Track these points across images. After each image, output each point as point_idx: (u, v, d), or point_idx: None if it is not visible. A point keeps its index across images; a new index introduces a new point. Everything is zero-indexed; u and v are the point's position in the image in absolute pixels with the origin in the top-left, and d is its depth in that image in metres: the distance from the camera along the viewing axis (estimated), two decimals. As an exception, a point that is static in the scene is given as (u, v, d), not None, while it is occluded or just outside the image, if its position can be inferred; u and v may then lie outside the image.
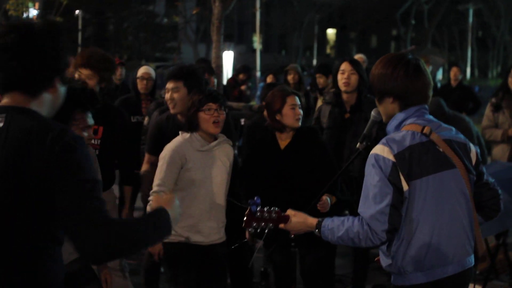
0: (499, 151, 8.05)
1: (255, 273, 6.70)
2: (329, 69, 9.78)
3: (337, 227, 3.37)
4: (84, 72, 5.24)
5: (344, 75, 6.14)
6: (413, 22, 37.98)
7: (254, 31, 36.01)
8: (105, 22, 46.46)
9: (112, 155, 5.47)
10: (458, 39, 49.30)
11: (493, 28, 47.39)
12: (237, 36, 63.37)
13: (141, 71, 7.65)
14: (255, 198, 3.61)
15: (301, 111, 5.14)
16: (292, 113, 5.12)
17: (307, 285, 5.35)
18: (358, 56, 11.92)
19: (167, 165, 4.82)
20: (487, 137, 8.10)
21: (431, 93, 3.50)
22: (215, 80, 10.39)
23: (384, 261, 3.43)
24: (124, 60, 43.90)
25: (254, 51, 47.42)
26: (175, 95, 5.41)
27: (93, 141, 4.99)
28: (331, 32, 67.87)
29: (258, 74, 32.16)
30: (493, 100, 8.08)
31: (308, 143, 5.19)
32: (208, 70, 8.28)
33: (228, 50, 35.90)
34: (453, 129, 3.52)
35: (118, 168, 5.75)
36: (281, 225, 3.59)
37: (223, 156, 5.02)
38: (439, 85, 13.22)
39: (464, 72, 44.36)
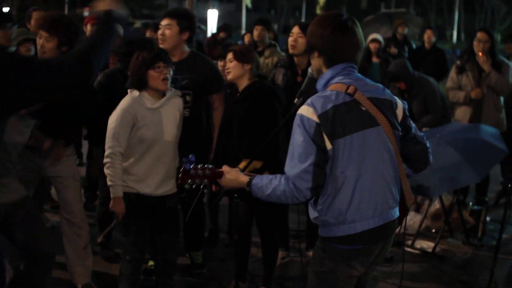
0: (461, 113, 8.21)
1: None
2: (270, 23, 9.80)
3: (265, 185, 3.51)
4: (43, 35, 5.30)
5: (292, 37, 6.22)
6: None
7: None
8: (92, -22, 45.97)
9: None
10: (445, 2, 49.13)
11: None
12: (227, -5, 63.01)
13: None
14: (190, 156, 3.75)
15: (231, 65, 5.38)
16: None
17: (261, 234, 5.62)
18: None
19: (119, 125, 4.93)
20: (450, 98, 8.25)
21: (359, 53, 3.59)
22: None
23: (312, 213, 3.58)
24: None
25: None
26: (167, 32, 5.74)
27: None
28: (321, -8, 67.52)
29: (243, 32, 32.03)
30: (458, 62, 8.24)
31: (253, 96, 5.36)
32: (154, 28, 8.26)
33: (213, 8, 35.72)
34: (380, 86, 3.63)
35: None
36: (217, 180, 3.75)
37: (173, 110, 5.15)
38: (414, 46, 13.24)
39: (451, 36, 44.26)
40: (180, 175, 3.74)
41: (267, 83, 5.52)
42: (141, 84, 4.98)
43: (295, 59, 6.29)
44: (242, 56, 5.35)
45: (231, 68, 5.36)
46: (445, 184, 6.55)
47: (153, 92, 5.02)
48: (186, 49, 5.98)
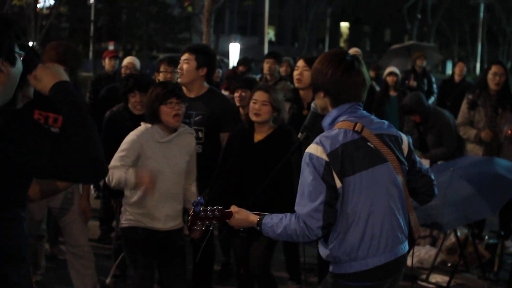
0: (472, 148, 8.13)
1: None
2: (281, 56, 9.76)
3: (276, 224, 3.54)
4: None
5: (298, 71, 6.26)
6: (419, 16, 37.77)
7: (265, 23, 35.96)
8: (117, 12, 46.53)
9: None
10: (469, 33, 49.05)
11: (504, 23, 47.07)
12: (250, 28, 63.44)
13: (126, 61, 7.87)
14: (198, 198, 3.83)
15: (264, 108, 5.29)
16: (251, 106, 5.33)
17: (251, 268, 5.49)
18: (353, 50, 12.01)
19: (128, 150, 5.02)
20: (462, 134, 8.17)
21: (364, 92, 3.63)
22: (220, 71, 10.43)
23: (323, 251, 3.60)
24: (136, 50, 44.17)
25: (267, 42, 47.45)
26: (185, 66, 5.83)
27: (52, 130, 5.17)
28: (344, 25, 67.73)
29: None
30: (470, 96, 8.10)
31: (281, 143, 5.30)
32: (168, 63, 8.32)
33: (235, 42, 36.01)
34: (385, 122, 3.67)
35: None
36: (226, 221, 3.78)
37: (183, 146, 5.20)
38: (434, 80, 13.21)
39: (474, 68, 44.08)
40: (189, 217, 3.78)
41: (288, 130, 5.47)
42: (154, 118, 5.05)
43: (301, 92, 6.31)
44: (277, 103, 5.33)
45: (262, 112, 5.29)
46: (459, 218, 6.52)
47: (164, 126, 5.09)
48: (205, 85, 6.01)
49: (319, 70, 3.60)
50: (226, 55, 37.30)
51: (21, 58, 2.87)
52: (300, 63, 6.29)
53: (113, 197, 5.96)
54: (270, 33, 58.25)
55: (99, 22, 44.97)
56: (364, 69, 3.63)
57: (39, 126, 2.73)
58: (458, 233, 7.33)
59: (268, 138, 5.34)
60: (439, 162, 7.91)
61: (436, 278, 7.11)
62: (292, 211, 3.56)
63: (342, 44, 67.03)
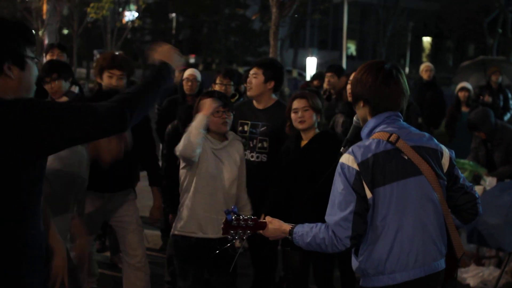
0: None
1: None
2: (342, 70, 9.68)
3: (306, 233, 3.51)
4: (116, 73, 5.65)
5: (350, 85, 6.15)
6: (499, 30, 36.91)
7: (348, 38, 35.86)
8: (198, 26, 47.18)
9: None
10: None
11: None
12: (331, 43, 63.33)
13: (187, 72, 7.92)
14: (232, 207, 3.78)
15: (306, 114, 5.29)
16: (293, 117, 5.34)
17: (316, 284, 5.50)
18: (425, 65, 11.83)
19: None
20: None
21: (404, 101, 3.57)
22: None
23: (354, 263, 3.54)
24: (215, 63, 44.65)
25: (347, 57, 47.30)
26: (253, 80, 6.01)
27: None
28: (426, 40, 66.91)
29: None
30: None
31: (323, 146, 5.28)
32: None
33: (312, 56, 36.01)
34: (426, 135, 3.58)
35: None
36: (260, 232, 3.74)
37: (234, 153, 5.26)
38: (510, 96, 12.86)
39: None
40: (222, 226, 3.75)
41: (334, 133, 5.45)
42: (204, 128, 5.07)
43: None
44: (317, 106, 5.32)
45: (306, 117, 5.31)
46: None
47: (214, 134, 5.14)
48: (273, 97, 6.16)
49: (358, 79, 3.57)
50: (305, 69, 37.33)
51: (36, 63, 2.93)
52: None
53: (170, 210, 5.99)
54: (351, 48, 58.07)
55: (180, 36, 45.68)
56: (403, 78, 3.58)
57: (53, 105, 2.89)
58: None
59: (313, 140, 5.34)
60: (506, 181, 7.67)
61: (499, 300, 6.89)
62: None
63: (424, 59, 66.23)
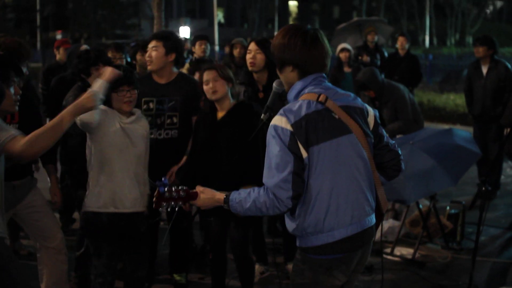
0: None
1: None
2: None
3: (244, 199, 3.50)
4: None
5: (250, 54, 6.18)
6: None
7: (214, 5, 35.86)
8: (63, 1, 45.95)
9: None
10: (417, 7, 49.46)
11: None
12: (199, 11, 63.12)
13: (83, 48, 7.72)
14: (162, 178, 3.71)
15: (217, 84, 5.23)
16: (206, 88, 5.30)
17: (233, 252, 5.52)
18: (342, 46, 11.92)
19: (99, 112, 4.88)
20: None
21: (328, 62, 3.61)
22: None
23: (290, 225, 3.57)
24: (84, 38, 43.66)
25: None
26: (153, 53, 5.89)
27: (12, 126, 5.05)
28: (292, 4, 67.78)
29: (216, 48, 32.09)
30: None
31: (240, 118, 5.28)
32: (144, 48, 8.27)
33: (185, 25, 35.81)
34: (351, 95, 3.65)
35: None
36: (191, 202, 3.71)
37: (141, 128, 5.15)
38: (386, 54, 13.27)
39: (423, 41, 44.49)
40: (154, 199, 3.69)
41: (250, 104, 5.44)
42: (107, 104, 4.97)
43: (255, 75, 6.24)
44: (227, 75, 5.29)
45: (217, 87, 5.26)
46: (421, 191, 6.56)
47: (119, 111, 5.05)
48: (175, 70, 6.07)
49: (285, 44, 3.54)
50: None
51: None
52: (252, 46, 6.21)
53: (74, 189, 5.85)
54: (219, 15, 58.00)
55: (45, 12, 44.33)
56: (325, 39, 3.61)
57: None
58: (420, 205, 7.39)
59: (230, 113, 5.31)
60: (398, 136, 7.94)
61: (401, 250, 7.16)
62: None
63: (291, 23, 66.98)
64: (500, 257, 7.15)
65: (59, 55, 10.36)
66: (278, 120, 3.44)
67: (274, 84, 3.91)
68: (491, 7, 56.54)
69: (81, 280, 6.05)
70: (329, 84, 3.62)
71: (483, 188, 5.45)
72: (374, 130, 3.66)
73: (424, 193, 6.76)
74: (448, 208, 7.68)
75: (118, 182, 5.01)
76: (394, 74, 11.65)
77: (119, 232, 5.06)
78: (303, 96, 3.53)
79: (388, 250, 7.15)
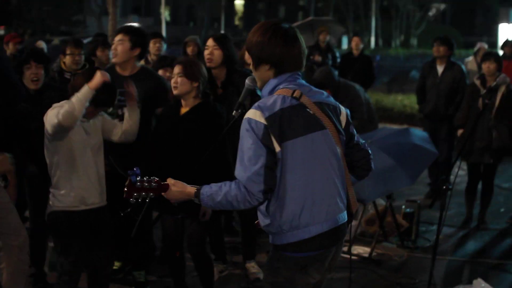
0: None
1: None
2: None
3: (215, 192, 3.47)
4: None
5: (208, 50, 6.20)
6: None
7: (161, 3, 35.62)
8: (7, -4, 45.11)
9: None
10: (362, 8, 49.92)
11: (396, -2, 48.23)
12: (144, 8, 62.71)
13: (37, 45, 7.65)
14: (135, 168, 3.65)
15: (179, 80, 5.21)
16: (171, 82, 5.30)
17: (189, 251, 5.47)
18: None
19: None
20: None
21: (304, 60, 3.60)
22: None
23: (263, 221, 3.54)
24: (28, 34, 42.94)
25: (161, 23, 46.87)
26: (119, 47, 5.93)
27: None
28: (238, 3, 67.80)
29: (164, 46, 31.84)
30: None
31: (201, 117, 5.24)
32: (103, 44, 8.20)
33: (133, 22, 35.48)
34: (324, 92, 3.65)
35: None
36: (162, 193, 3.65)
37: (96, 122, 5.16)
38: (337, 54, 13.37)
39: (369, 42, 44.98)
40: (125, 188, 3.61)
41: (214, 104, 5.41)
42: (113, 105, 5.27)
43: (213, 71, 6.24)
44: (192, 73, 5.24)
45: (178, 84, 5.22)
46: (379, 190, 6.62)
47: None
48: (138, 64, 6.10)
49: (262, 42, 3.50)
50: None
51: None
52: (210, 42, 6.23)
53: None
54: (165, 13, 57.65)
55: (-14, 6, 43.46)
56: (301, 37, 3.59)
57: None
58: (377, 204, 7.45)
59: (193, 110, 5.27)
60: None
61: (357, 249, 7.23)
62: None
63: (237, 22, 67.13)
64: (455, 255, 7.26)
65: (9, 50, 10.23)
66: (253, 114, 3.43)
67: (247, 81, 3.89)
68: (434, 10, 57.35)
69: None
70: (303, 82, 3.62)
71: (443, 187, 5.53)
72: (346, 128, 3.68)
73: (382, 192, 6.83)
74: (403, 207, 7.76)
75: (85, 179, 5.00)
76: (347, 74, 11.74)
77: (89, 228, 5.03)
78: (277, 91, 3.52)
79: (345, 248, 7.18)
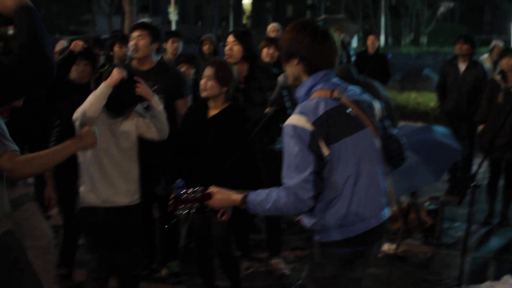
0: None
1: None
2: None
3: (264, 200, 3.47)
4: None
5: (227, 46, 6.26)
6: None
7: (169, 2, 35.67)
8: (16, -4, 45.20)
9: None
10: (372, 7, 49.91)
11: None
12: (153, 8, 62.78)
13: (57, 47, 7.67)
14: (178, 181, 3.67)
15: (209, 83, 5.18)
16: (200, 84, 5.27)
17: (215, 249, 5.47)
18: (272, 25, 11.99)
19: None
20: None
21: (336, 60, 3.60)
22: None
23: (308, 220, 3.55)
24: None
25: (170, 22, 46.98)
26: (140, 42, 5.98)
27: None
28: (246, 2, 67.84)
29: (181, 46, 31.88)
30: None
31: (229, 120, 5.23)
32: (121, 40, 8.18)
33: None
34: (357, 89, 3.66)
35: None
36: (206, 202, 3.66)
37: (131, 127, 5.14)
38: (352, 52, 13.35)
39: (379, 40, 45.05)
40: (171, 202, 3.64)
41: (242, 108, 5.41)
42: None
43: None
44: (223, 77, 5.20)
45: (208, 87, 5.19)
46: (404, 187, 6.60)
47: None
48: (155, 58, 6.16)
49: (293, 38, 3.54)
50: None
51: None
52: (230, 38, 6.30)
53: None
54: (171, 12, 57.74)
55: (-3, 7, 43.54)
56: (334, 37, 3.60)
57: None
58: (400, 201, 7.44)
59: (220, 113, 5.26)
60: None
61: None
62: (250, 189, 3.56)
63: (245, 21, 67.22)
64: (479, 252, 7.26)
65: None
66: (297, 120, 3.41)
67: (279, 78, 3.91)
68: (441, 8, 57.29)
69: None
70: (337, 81, 3.62)
71: (473, 184, 5.50)
72: (380, 121, 3.69)
73: (407, 189, 6.81)
74: (426, 203, 7.75)
75: (109, 179, 5.00)
76: (363, 72, 11.73)
77: (115, 227, 5.03)
78: (315, 93, 3.52)
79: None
